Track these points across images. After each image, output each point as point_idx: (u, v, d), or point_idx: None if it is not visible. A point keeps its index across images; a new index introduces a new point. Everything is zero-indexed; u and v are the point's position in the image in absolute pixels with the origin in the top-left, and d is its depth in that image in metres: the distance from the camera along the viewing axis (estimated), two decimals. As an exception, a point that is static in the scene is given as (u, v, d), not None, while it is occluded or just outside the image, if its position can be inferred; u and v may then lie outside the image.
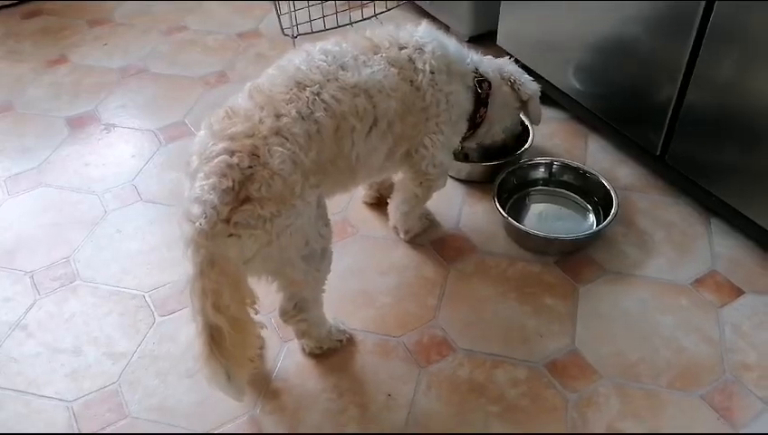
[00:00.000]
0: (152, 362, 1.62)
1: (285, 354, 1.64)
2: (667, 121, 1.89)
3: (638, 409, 1.51)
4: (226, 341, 1.25)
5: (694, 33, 1.71)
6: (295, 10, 2.39)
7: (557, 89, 2.25)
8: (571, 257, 1.85)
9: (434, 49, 1.59)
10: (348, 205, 2.02)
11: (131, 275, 1.83)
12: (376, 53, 1.53)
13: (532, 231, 1.84)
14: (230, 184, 1.25)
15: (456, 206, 2.02)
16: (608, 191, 1.91)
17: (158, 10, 2.93)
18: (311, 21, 2.45)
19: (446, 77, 1.62)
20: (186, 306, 1.71)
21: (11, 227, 1.97)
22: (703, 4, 1.66)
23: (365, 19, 2.59)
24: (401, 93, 1.54)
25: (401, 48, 1.57)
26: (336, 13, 2.51)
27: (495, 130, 1.89)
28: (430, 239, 1.91)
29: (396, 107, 1.53)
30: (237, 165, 1.26)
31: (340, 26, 2.50)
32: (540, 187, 2.04)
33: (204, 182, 1.25)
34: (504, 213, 1.89)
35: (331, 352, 1.63)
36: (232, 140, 1.28)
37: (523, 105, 1.90)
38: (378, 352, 1.64)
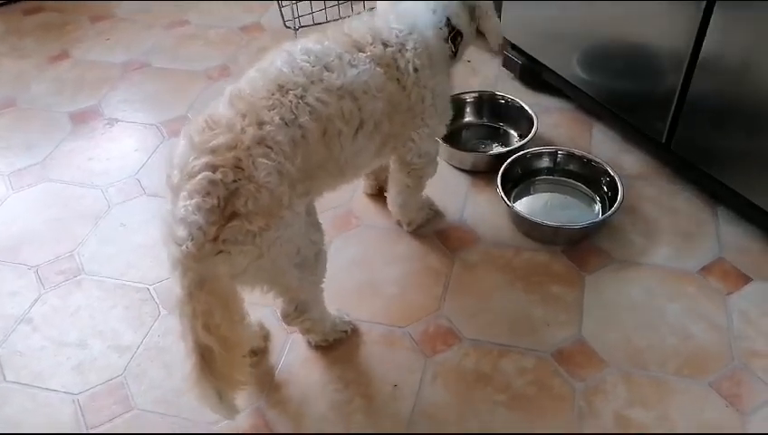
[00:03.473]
0: (158, 354, 1.62)
1: (290, 347, 1.63)
2: (673, 109, 1.87)
3: (645, 396, 1.51)
4: (217, 361, 1.24)
5: (699, 20, 1.70)
6: (297, 2, 2.38)
7: (561, 78, 2.23)
8: (577, 246, 1.84)
9: (415, 45, 1.54)
10: (352, 196, 2.01)
11: (136, 268, 1.83)
12: (360, 51, 1.48)
13: (537, 220, 1.83)
14: (215, 202, 1.20)
15: (461, 196, 2.01)
16: (613, 180, 1.90)
17: (160, 5, 2.92)
18: (312, 13, 2.44)
19: (429, 71, 1.58)
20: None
21: (15, 222, 1.97)
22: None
23: (368, 11, 2.57)
24: (388, 93, 1.50)
25: (385, 45, 1.51)
26: (338, 4, 2.50)
27: None
28: (435, 230, 1.90)
29: (383, 107, 1.49)
30: (221, 181, 1.20)
31: (342, 18, 2.49)
32: (545, 176, 2.03)
33: (188, 202, 1.20)
34: (509, 202, 1.88)
35: (337, 343, 1.62)
36: (214, 154, 1.23)
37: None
38: (383, 342, 1.63)
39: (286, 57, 1.40)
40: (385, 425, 1.47)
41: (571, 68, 2.17)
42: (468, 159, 2.07)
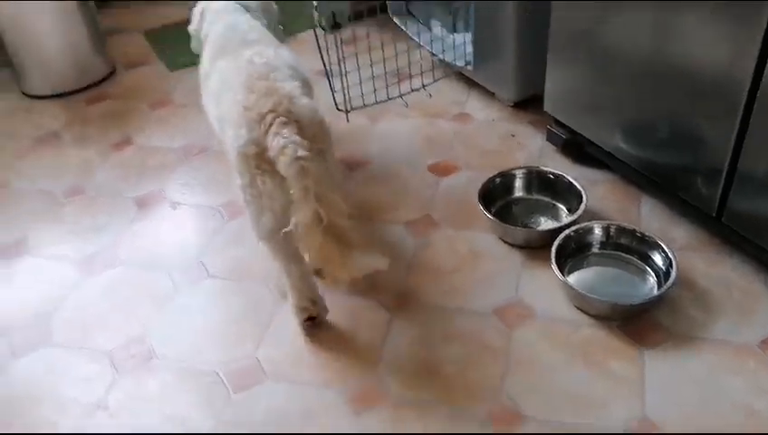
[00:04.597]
0: (230, 438, 1.67)
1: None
2: (723, 181, 1.90)
3: (715, 476, 1.51)
4: (354, 243, 1.65)
5: (746, 94, 1.74)
6: (348, 86, 2.49)
7: (605, 151, 2.29)
8: (634, 321, 1.86)
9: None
10: (406, 274, 2.07)
11: (204, 351, 1.89)
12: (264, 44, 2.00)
13: (594, 296, 1.86)
14: (296, 131, 1.65)
15: (515, 271, 2.05)
16: (666, 253, 1.93)
17: (214, 89, 3.07)
18: (363, 95, 2.55)
19: None
20: (258, 382, 1.79)
21: (86, 307, 2.06)
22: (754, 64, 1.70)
23: (413, 90, 2.68)
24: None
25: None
26: (387, 86, 2.60)
27: None
28: (492, 307, 1.94)
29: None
30: (288, 122, 1.65)
31: (390, 99, 2.60)
32: (598, 250, 2.06)
33: (282, 132, 1.63)
34: (563, 278, 1.91)
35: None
36: (272, 112, 1.67)
37: None
38: (447, 422, 1.66)
39: (248, 62, 1.85)
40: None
41: (614, 141, 2.23)
42: (521, 235, 2.12)
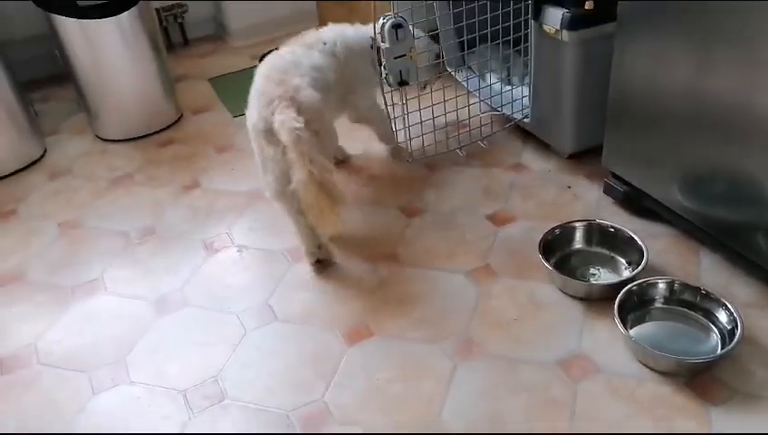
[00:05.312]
0: (302, 481, 1.72)
1: None
2: (786, 241, 1.93)
3: None
4: (330, 191, 2.05)
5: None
6: (411, 138, 2.59)
7: (664, 206, 2.32)
8: (698, 378, 1.88)
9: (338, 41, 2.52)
10: (468, 322, 2.11)
11: (274, 393, 1.96)
12: (310, 48, 2.42)
13: (659, 352, 1.89)
14: (295, 112, 2.06)
15: (576, 324, 2.09)
16: (730, 311, 1.95)
17: (276, 135, 3.18)
18: (424, 147, 2.64)
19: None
20: (327, 426, 1.84)
21: (161, 346, 2.15)
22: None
23: (472, 142, 2.76)
24: (334, 66, 2.46)
25: (324, 43, 2.46)
26: (447, 139, 2.69)
27: None
28: (556, 359, 1.98)
29: (334, 75, 2.44)
30: (289, 106, 2.07)
31: (450, 150, 2.68)
32: (660, 305, 2.09)
33: (284, 112, 2.05)
34: (627, 332, 1.94)
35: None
36: (279, 97, 2.09)
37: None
38: (516, 474, 1.69)
39: (278, 57, 2.32)
40: None
41: (674, 196, 2.26)
42: (582, 288, 2.16)
